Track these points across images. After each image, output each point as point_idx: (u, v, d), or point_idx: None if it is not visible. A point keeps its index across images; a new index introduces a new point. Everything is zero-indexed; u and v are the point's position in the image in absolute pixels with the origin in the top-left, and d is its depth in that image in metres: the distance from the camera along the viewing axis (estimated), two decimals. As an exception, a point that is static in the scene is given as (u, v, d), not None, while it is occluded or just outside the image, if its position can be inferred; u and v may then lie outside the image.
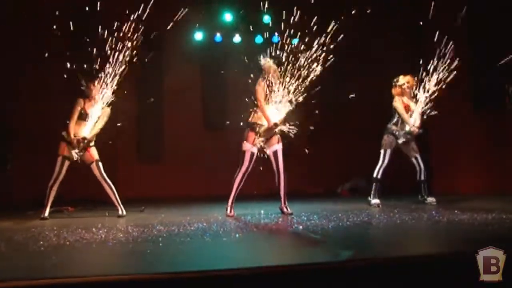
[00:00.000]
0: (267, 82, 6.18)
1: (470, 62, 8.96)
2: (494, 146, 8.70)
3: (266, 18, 10.06)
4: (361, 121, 9.67)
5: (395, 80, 7.27)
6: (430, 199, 7.06)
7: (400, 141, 7.11)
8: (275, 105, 6.15)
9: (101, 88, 6.42)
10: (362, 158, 9.04)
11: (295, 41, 10.29)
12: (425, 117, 7.10)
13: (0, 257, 3.66)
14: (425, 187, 7.20)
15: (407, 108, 7.14)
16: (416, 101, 7.14)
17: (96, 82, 6.44)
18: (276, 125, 6.10)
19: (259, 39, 10.21)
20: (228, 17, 10.02)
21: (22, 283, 2.77)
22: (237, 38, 10.21)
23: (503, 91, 8.24)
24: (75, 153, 6.34)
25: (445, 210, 6.04)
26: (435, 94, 6.94)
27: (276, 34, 7.94)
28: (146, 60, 9.23)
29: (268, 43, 9.93)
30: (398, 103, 7.16)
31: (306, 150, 7.93)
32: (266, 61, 6.28)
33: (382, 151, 7.16)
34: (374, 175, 7.14)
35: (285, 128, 6.17)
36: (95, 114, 6.40)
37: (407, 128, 7.08)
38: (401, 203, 7.06)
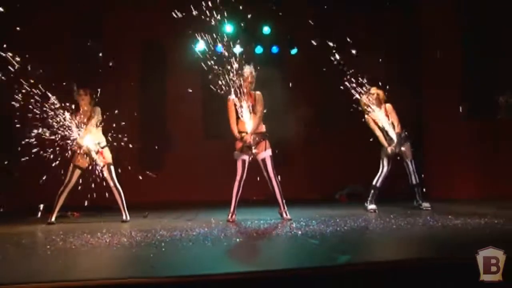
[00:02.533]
0: (240, 93, 6.16)
1: (463, 73, 9.02)
2: (486, 153, 8.73)
3: (266, 29, 10.09)
4: (358, 127, 9.66)
5: (368, 88, 7.25)
6: (425, 205, 7.07)
7: (397, 150, 7.11)
8: (247, 115, 6.17)
9: (89, 94, 6.47)
10: (359, 164, 9.07)
11: (294, 52, 10.40)
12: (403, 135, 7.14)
13: (8, 261, 3.66)
14: (419, 192, 7.21)
15: (378, 121, 7.14)
16: (385, 110, 7.16)
17: (86, 89, 6.47)
18: (242, 138, 6.11)
19: (259, 50, 10.23)
20: (228, 28, 10.03)
21: (30, 286, 2.77)
22: (237, 49, 10.22)
23: (494, 100, 8.29)
24: (90, 159, 6.36)
25: (440, 215, 6.05)
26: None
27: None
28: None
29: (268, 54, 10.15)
30: (370, 123, 7.18)
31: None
32: (247, 69, 6.29)
33: (381, 161, 7.19)
34: (374, 182, 7.15)
35: (251, 139, 6.12)
36: (85, 119, 6.41)
37: (393, 136, 7.07)
38: (397, 209, 7.05)
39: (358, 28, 9.95)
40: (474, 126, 8.90)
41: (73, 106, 6.40)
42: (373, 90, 7.22)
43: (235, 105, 6.18)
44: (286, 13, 9.71)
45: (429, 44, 9.45)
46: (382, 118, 7.11)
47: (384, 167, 7.14)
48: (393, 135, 7.07)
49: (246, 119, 6.15)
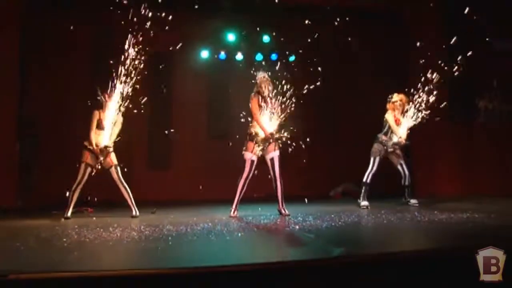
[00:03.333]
0: (261, 95, 6.24)
1: (447, 81, 9.05)
2: (467, 154, 8.76)
3: (266, 38, 10.12)
4: (352, 130, 9.71)
5: (389, 96, 7.33)
6: (413, 201, 7.10)
7: (389, 150, 7.17)
8: (269, 116, 6.22)
9: (113, 99, 6.52)
10: (353, 164, 9.07)
11: (292, 59, 10.41)
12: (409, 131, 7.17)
13: (29, 252, 3.68)
14: (408, 191, 7.24)
15: (398, 122, 7.20)
16: (406, 117, 7.23)
17: (110, 93, 6.51)
18: (272, 134, 6.16)
19: (259, 57, 10.26)
20: (231, 37, 10.07)
21: (48, 275, 2.80)
22: (239, 56, 10.26)
23: (475, 106, 8.32)
24: (99, 159, 6.40)
25: (426, 211, 6.08)
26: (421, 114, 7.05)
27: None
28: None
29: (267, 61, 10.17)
30: (390, 116, 7.22)
31: (304, 160, 7.98)
32: (261, 75, 6.33)
33: (371, 158, 7.21)
34: (364, 179, 7.17)
35: (278, 136, 6.21)
36: (109, 122, 6.45)
37: (395, 139, 7.14)
38: (387, 205, 7.07)
39: (352, 37, 9.98)
40: (457, 128, 8.92)
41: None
42: (396, 96, 7.26)
43: (258, 103, 6.24)
44: (285, 22, 9.73)
45: (415, 49, 9.45)
46: (403, 122, 7.17)
47: (374, 165, 7.17)
48: (395, 138, 7.12)
49: (265, 120, 6.22)
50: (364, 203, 7.03)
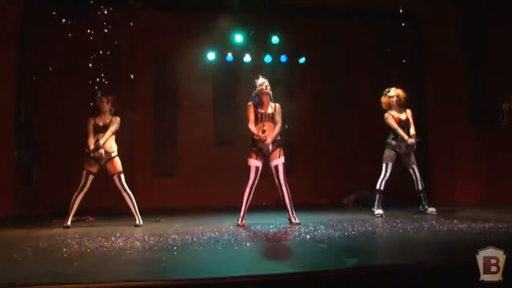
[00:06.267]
0: (258, 102, 6.26)
1: (465, 83, 9.00)
2: (488, 159, 8.67)
3: (275, 39, 10.11)
4: (364, 135, 9.68)
5: (386, 90, 7.32)
6: (431, 210, 7.04)
7: (403, 152, 7.10)
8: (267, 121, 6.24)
9: (110, 103, 6.58)
10: (366, 171, 9.04)
11: (302, 61, 10.41)
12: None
13: (26, 263, 3.69)
14: (424, 197, 7.19)
15: (398, 120, 7.15)
16: (406, 113, 7.22)
17: (108, 97, 6.58)
18: (260, 137, 6.12)
19: (268, 59, 10.24)
20: (238, 38, 10.06)
21: (46, 287, 2.79)
22: (247, 58, 10.25)
23: (496, 108, 8.25)
24: (101, 159, 6.42)
25: (445, 219, 6.02)
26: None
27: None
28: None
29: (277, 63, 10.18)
30: (390, 119, 7.18)
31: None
32: (260, 80, 6.33)
33: (384, 165, 7.15)
34: (377, 187, 7.11)
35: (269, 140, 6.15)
36: (105, 125, 6.53)
37: (406, 140, 7.08)
38: (403, 213, 7.01)
39: (364, 38, 9.98)
40: (477, 132, 8.85)
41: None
42: (393, 91, 7.23)
43: (254, 111, 6.25)
44: (294, 23, 9.74)
45: (433, 50, 9.42)
46: (401, 120, 7.14)
47: (387, 171, 7.10)
48: (404, 137, 7.06)
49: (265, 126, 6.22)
50: (379, 211, 6.98)
